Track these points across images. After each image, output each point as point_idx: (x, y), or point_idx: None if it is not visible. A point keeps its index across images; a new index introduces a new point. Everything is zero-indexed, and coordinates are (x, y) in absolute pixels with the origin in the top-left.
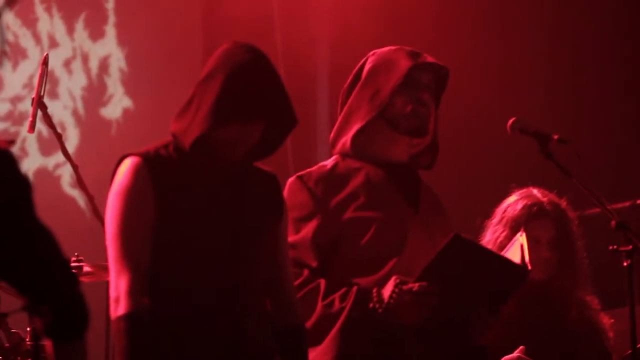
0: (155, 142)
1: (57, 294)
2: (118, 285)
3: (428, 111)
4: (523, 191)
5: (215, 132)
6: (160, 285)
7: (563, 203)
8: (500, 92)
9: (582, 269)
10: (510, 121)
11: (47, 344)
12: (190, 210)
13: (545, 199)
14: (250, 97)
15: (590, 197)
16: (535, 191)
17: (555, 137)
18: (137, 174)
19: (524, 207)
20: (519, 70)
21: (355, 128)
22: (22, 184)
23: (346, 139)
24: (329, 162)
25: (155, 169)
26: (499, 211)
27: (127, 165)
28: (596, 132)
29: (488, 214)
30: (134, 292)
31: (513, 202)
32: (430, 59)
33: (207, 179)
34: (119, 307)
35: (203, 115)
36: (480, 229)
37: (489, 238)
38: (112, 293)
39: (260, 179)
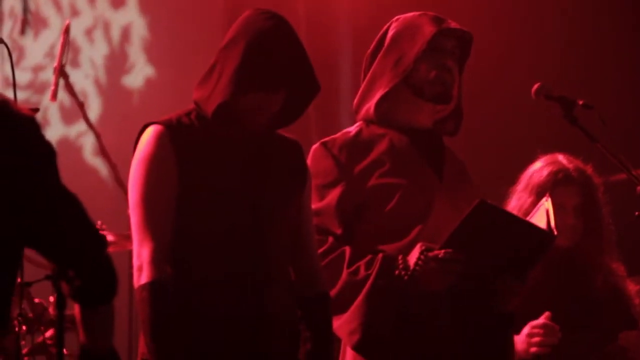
0: (178, 110)
1: (85, 257)
2: (141, 253)
3: (452, 77)
4: (548, 157)
5: (237, 99)
6: (183, 253)
7: (589, 169)
8: (524, 57)
9: (607, 236)
10: (535, 86)
11: (75, 308)
12: (213, 179)
13: (571, 165)
14: (272, 65)
15: (615, 163)
16: (560, 157)
17: (580, 102)
18: (160, 142)
19: (549, 174)
20: (544, 36)
21: (379, 94)
22: (47, 150)
23: (370, 105)
24: (352, 129)
25: (178, 137)
26: (524, 177)
27: (149, 134)
28: (621, 97)
29: (513, 181)
30: (157, 261)
31: (538, 169)
32: (454, 24)
33: (230, 147)
34: (142, 275)
35: (225, 83)
36: (505, 196)
37: (514, 204)
38: (135, 261)
39: (284, 146)
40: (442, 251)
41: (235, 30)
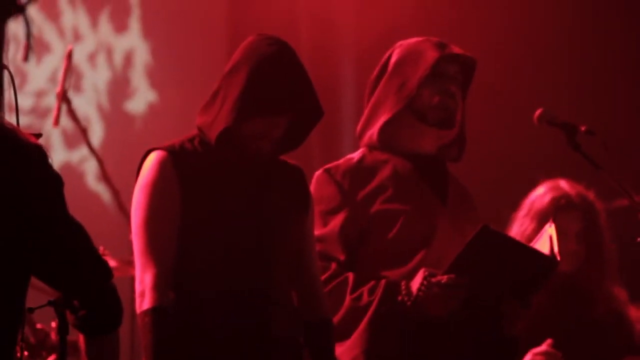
0: (181, 136)
1: (91, 287)
2: (143, 279)
3: (455, 102)
4: (550, 183)
5: (240, 125)
6: (186, 277)
7: (591, 195)
8: (526, 83)
9: (610, 261)
10: (537, 112)
11: (79, 337)
12: (216, 205)
13: (573, 191)
14: (276, 91)
15: (618, 189)
16: (562, 183)
17: (583, 128)
18: (163, 167)
19: (551, 200)
20: (545, 61)
21: (382, 120)
22: (54, 179)
23: (373, 131)
24: (356, 155)
25: (181, 163)
26: (526, 203)
27: (152, 159)
28: (623, 123)
29: (514, 206)
30: (159, 286)
31: (540, 195)
32: (457, 50)
33: (232, 173)
34: (144, 301)
35: (228, 109)
36: (507, 221)
37: (516, 230)
38: (138, 287)
39: (286, 172)
40: (445, 277)
41: (239, 56)
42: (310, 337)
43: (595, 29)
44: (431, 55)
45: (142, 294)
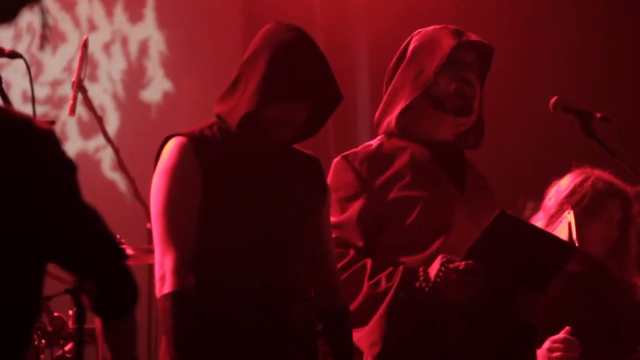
0: (199, 123)
1: (104, 268)
2: (163, 263)
3: (472, 90)
4: (588, 171)
5: (263, 110)
6: (206, 265)
7: (629, 187)
8: (544, 70)
9: (633, 252)
10: (553, 99)
11: (96, 321)
12: (237, 192)
13: (617, 181)
14: (297, 75)
15: (632, 176)
16: (601, 172)
17: (598, 115)
18: (183, 153)
19: (604, 185)
20: (562, 50)
21: (399, 107)
22: (68, 165)
23: (391, 119)
24: (374, 142)
25: (201, 149)
26: (562, 190)
27: (172, 145)
28: (637, 111)
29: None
30: (179, 270)
31: (584, 181)
32: (474, 37)
33: (252, 162)
34: (164, 285)
35: (250, 93)
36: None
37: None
38: (158, 271)
39: (304, 162)
40: (463, 263)
41: (258, 43)
42: (328, 326)
43: (610, 17)
44: (448, 43)
45: (163, 278)
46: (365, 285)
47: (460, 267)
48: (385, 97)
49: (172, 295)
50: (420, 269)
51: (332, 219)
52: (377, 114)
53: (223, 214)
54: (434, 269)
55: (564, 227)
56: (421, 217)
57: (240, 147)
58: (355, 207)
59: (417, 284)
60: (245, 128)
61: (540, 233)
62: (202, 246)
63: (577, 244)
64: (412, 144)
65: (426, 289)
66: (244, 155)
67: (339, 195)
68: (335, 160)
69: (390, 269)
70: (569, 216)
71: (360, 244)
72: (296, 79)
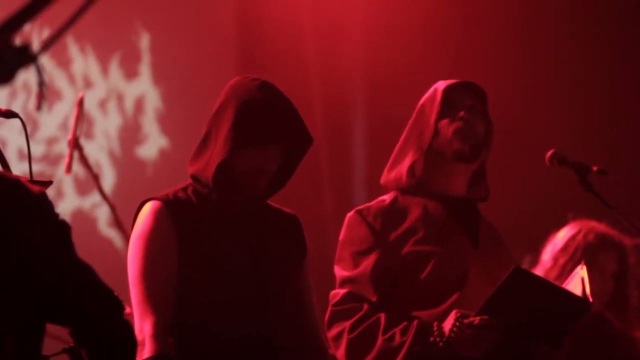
0: (174, 187)
1: (101, 322)
2: (142, 328)
3: (472, 130)
4: (584, 223)
5: (235, 160)
6: (186, 326)
7: (626, 239)
8: (541, 123)
9: (634, 304)
10: (549, 153)
11: None
12: (214, 253)
13: (612, 232)
14: (264, 119)
15: (631, 228)
16: (596, 224)
17: (595, 168)
18: (159, 217)
19: (594, 238)
20: (557, 98)
21: (407, 163)
22: (60, 226)
23: (401, 174)
24: (387, 197)
25: (176, 213)
26: (557, 242)
27: (148, 210)
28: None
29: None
30: (159, 335)
31: (577, 233)
32: (465, 81)
33: (228, 222)
34: (144, 350)
35: (222, 142)
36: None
37: (548, 269)
38: (137, 336)
39: (281, 220)
40: (478, 318)
41: (223, 97)
42: None
43: (608, 68)
44: (441, 88)
45: (143, 343)
46: (380, 339)
47: (475, 323)
48: (392, 155)
49: None
50: (435, 324)
51: (345, 273)
52: (384, 172)
53: (200, 276)
54: (448, 324)
55: (577, 283)
56: (435, 272)
57: (216, 207)
58: (369, 262)
59: (432, 338)
60: (220, 181)
61: (555, 289)
62: (181, 306)
63: (591, 300)
64: (425, 198)
65: (440, 344)
66: (220, 215)
67: (352, 250)
68: (349, 214)
69: (405, 323)
70: (582, 271)
71: (373, 298)
72: (264, 122)
